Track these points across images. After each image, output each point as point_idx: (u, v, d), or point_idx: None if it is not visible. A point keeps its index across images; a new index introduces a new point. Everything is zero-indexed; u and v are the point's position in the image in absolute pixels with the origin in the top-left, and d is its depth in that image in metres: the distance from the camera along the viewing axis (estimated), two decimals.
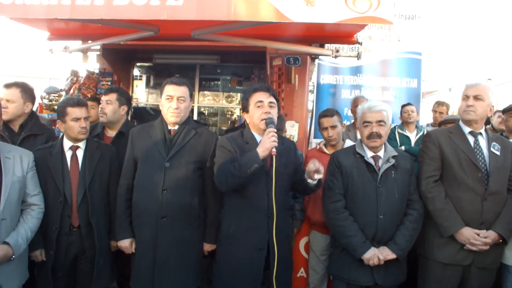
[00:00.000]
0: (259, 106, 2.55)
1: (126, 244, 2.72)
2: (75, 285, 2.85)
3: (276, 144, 2.33)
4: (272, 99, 2.59)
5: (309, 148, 4.72)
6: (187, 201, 2.65)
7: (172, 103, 2.68)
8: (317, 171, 2.47)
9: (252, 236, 2.50)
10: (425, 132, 4.49)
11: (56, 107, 5.57)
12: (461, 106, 2.74)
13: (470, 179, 2.61)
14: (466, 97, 2.71)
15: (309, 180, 2.54)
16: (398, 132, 4.66)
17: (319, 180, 2.55)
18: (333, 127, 3.30)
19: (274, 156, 2.33)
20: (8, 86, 3.09)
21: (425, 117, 7.72)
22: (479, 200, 2.58)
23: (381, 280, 2.64)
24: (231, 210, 2.61)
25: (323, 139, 3.49)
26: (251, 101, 2.59)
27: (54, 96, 6.31)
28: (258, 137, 2.58)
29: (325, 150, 3.35)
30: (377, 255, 2.58)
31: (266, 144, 2.34)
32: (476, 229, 2.58)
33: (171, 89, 2.69)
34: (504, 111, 4.03)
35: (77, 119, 2.78)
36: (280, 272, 2.48)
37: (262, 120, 2.52)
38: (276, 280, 2.44)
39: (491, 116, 5.26)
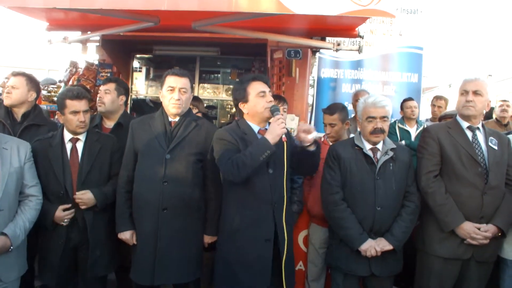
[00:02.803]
0: (262, 96, 2.52)
1: (127, 236, 2.71)
2: (76, 274, 2.85)
3: (285, 130, 2.33)
4: (268, 88, 2.59)
5: None
6: (188, 193, 2.64)
7: (174, 94, 2.66)
8: (307, 131, 2.40)
9: (258, 228, 2.48)
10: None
11: (54, 98, 5.56)
12: (460, 101, 2.72)
13: (470, 174, 2.60)
14: (465, 92, 2.69)
15: (307, 147, 2.46)
16: (398, 126, 4.66)
17: (317, 142, 2.48)
18: (331, 125, 3.28)
19: (285, 142, 2.33)
20: (15, 74, 3.23)
21: (425, 113, 7.73)
22: (479, 194, 2.58)
23: (378, 271, 2.66)
24: (233, 204, 2.56)
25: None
26: (251, 90, 2.53)
27: (53, 87, 6.29)
28: (255, 127, 2.56)
29: (330, 143, 3.33)
30: (374, 246, 2.60)
31: (276, 130, 2.33)
32: (476, 223, 2.58)
33: (172, 81, 2.67)
34: None
35: (75, 113, 2.74)
36: (288, 263, 2.49)
37: (266, 108, 2.49)
38: (285, 270, 2.45)
39: (493, 109, 5.29)
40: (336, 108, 3.32)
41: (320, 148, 2.55)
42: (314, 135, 2.43)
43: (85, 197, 2.70)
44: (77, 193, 2.70)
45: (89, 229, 2.75)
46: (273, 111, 2.45)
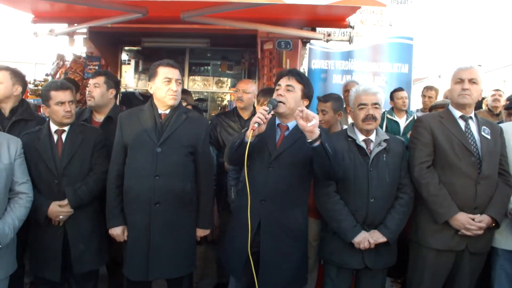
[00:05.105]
0: (277, 89, 2.52)
1: (118, 231, 2.67)
2: (66, 268, 2.81)
3: (259, 120, 2.26)
4: (291, 82, 2.48)
5: None
6: (180, 186, 2.61)
7: (171, 85, 2.61)
8: (305, 118, 2.18)
9: (246, 213, 2.43)
10: (415, 117, 4.48)
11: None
12: (455, 90, 2.68)
13: (463, 163, 2.59)
14: (460, 81, 2.65)
15: (308, 139, 2.22)
16: (387, 117, 4.64)
17: (321, 136, 2.21)
18: (323, 111, 3.29)
19: (252, 131, 2.26)
20: None
21: (415, 104, 7.76)
22: (472, 184, 2.57)
23: (371, 263, 2.64)
24: (243, 185, 2.52)
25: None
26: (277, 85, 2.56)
27: (40, 81, 6.19)
28: (277, 121, 2.57)
29: None
30: (367, 238, 2.58)
31: (252, 121, 2.30)
32: (470, 213, 2.57)
33: (168, 71, 2.62)
34: None
35: (61, 103, 2.72)
36: (268, 266, 2.46)
37: None
38: (261, 271, 2.44)
39: (484, 98, 5.31)
40: (330, 96, 3.35)
41: (326, 144, 2.24)
42: (314, 123, 2.18)
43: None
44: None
45: (67, 224, 2.73)
46: (268, 103, 2.42)
